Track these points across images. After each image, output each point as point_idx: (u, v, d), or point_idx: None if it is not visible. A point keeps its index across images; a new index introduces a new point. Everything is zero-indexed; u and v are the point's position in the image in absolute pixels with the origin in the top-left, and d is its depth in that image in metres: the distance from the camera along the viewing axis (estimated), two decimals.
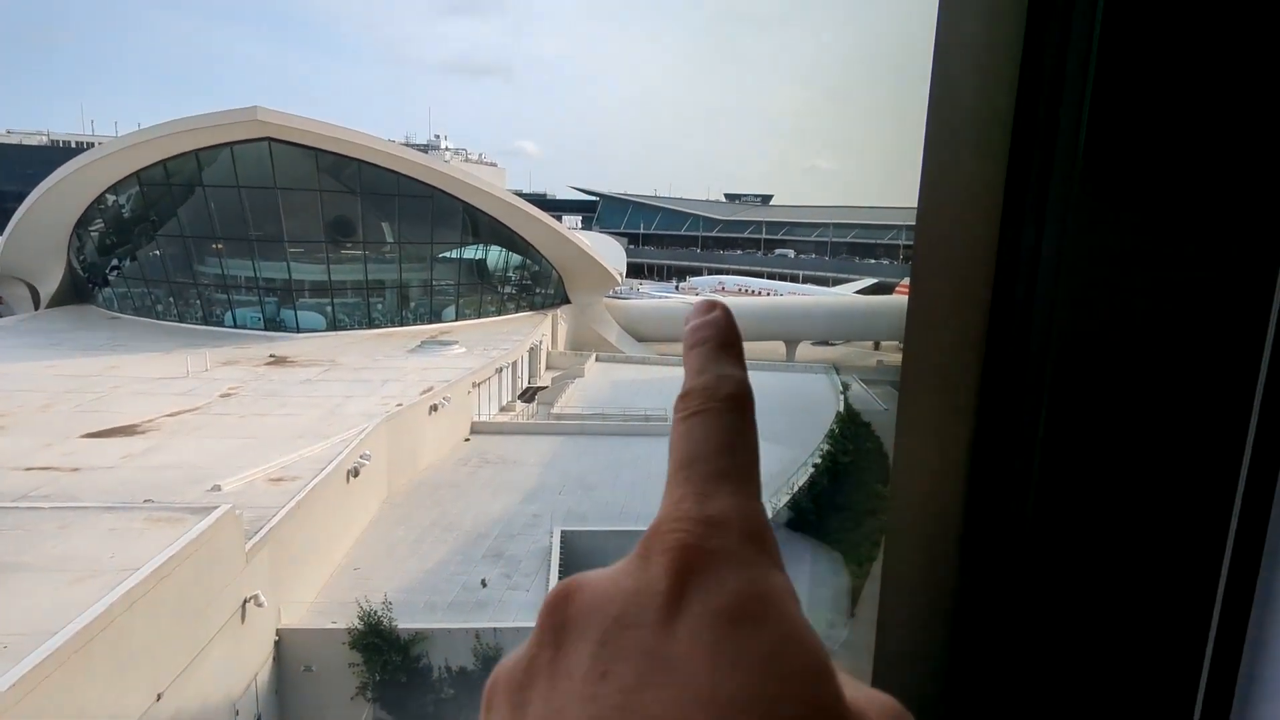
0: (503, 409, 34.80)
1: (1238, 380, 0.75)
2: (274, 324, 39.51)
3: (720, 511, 0.38)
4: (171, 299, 41.36)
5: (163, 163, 37.82)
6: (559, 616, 0.39)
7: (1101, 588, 0.83)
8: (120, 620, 12.47)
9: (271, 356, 33.76)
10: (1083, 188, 0.77)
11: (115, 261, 42.67)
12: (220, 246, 39.56)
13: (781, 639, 0.35)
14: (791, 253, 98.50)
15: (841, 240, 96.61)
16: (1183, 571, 0.80)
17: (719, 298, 0.49)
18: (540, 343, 42.23)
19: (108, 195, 40.28)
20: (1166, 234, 0.76)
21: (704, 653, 0.34)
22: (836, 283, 77.07)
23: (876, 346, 55.57)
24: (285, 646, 17.11)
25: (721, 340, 0.46)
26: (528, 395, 37.39)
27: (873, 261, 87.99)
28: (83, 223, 41.62)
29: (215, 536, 15.09)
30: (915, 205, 0.89)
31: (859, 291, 69.08)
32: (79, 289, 44.48)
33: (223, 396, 26.74)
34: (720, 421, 0.42)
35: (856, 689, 0.36)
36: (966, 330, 0.90)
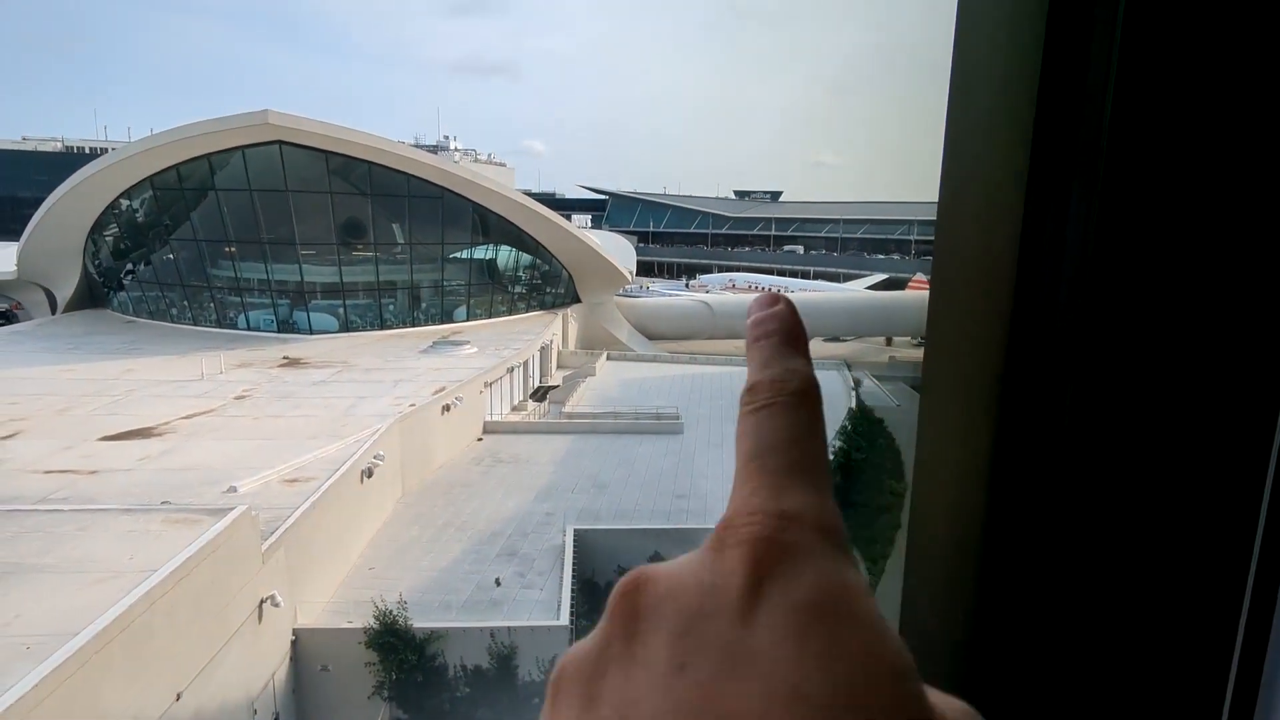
0: (514, 408, 34.84)
1: (1265, 377, 0.74)
2: (287, 326, 39.72)
3: (795, 505, 0.38)
4: (186, 302, 41.62)
5: (175, 167, 38.04)
6: (630, 606, 0.38)
7: (1126, 590, 0.83)
8: (140, 621, 12.56)
9: (285, 358, 33.93)
10: (1106, 184, 0.76)
11: (130, 265, 42.93)
12: (233, 249, 39.77)
13: (866, 637, 0.34)
14: (800, 249, 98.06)
15: (852, 236, 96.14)
16: (1208, 572, 0.79)
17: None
18: (551, 342, 42.25)
19: (122, 200, 40.52)
20: (1192, 230, 0.75)
21: (787, 648, 0.33)
22: (848, 279, 76.74)
23: (889, 343, 55.29)
24: (302, 646, 17.20)
25: (787, 334, 0.46)
26: (539, 394, 37.42)
27: (882, 257, 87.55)
28: (98, 227, 41.89)
29: (232, 537, 15.18)
30: (926, 200, 0.88)
31: (871, 287, 68.76)
32: (94, 293, 44.76)
33: (237, 398, 26.91)
34: (790, 416, 0.42)
35: (936, 694, 0.36)
36: (989, 328, 0.89)
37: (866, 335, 55.42)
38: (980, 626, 0.96)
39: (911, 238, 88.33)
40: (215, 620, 14.51)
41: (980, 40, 0.85)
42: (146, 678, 12.79)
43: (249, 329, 39.82)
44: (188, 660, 13.69)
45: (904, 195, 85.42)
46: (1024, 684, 0.91)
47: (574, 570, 19.64)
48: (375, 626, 16.97)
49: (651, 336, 50.44)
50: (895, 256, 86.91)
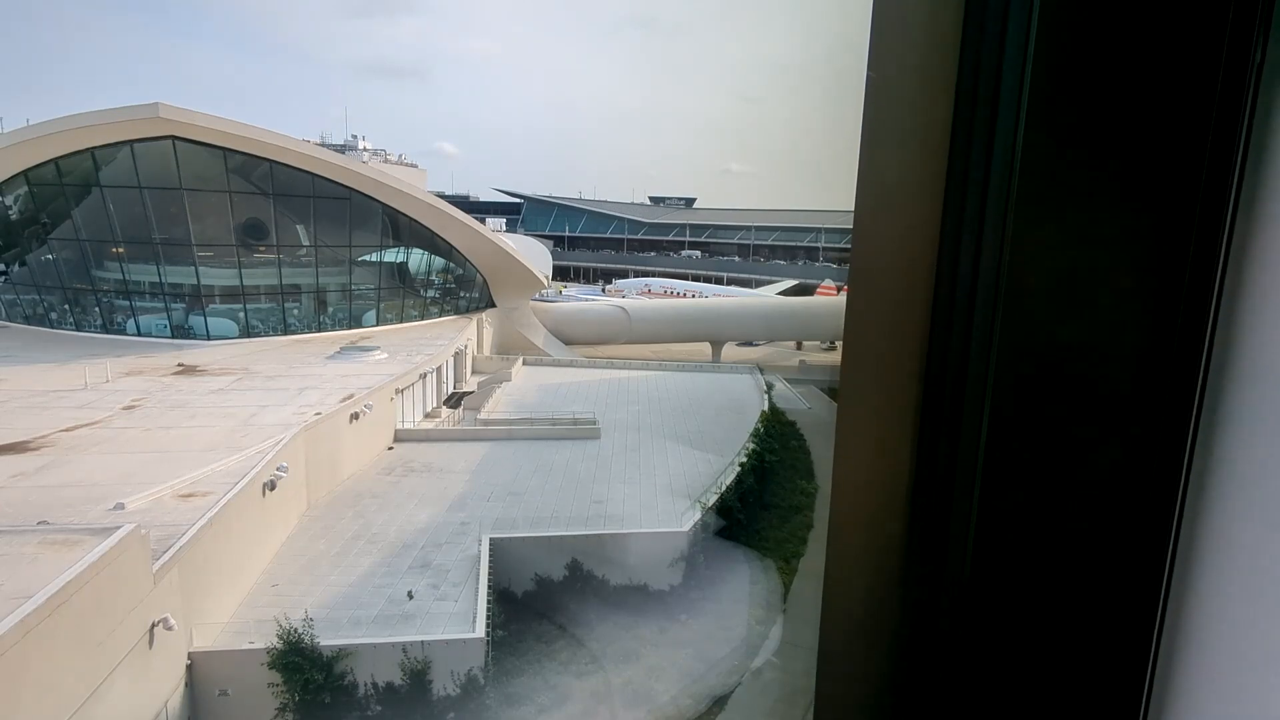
0: (428, 415, 34.12)
1: (1177, 375, 0.76)
2: (182, 331, 37.68)
3: None
4: (67, 306, 38.95)
5: (54, 161, 35.61)
6: None
7: (1041, 592, 0.84)
8: (13, 652, 11.64)
9: (180, 365, 32.20)
10: (1021, 192, 0.77)
11: (3, 266, 39.96)
12: (121, 250, 37.45)
13: None
14: (697, 254, 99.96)
15: (763, 243, 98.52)
16: (1126, 572, 0.81)
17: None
18: (466, 347, 41.57)
19: None
20: (1104, 236, 0.76)
21: None
22: (759, 284, 78.55)
23: (799, 347, 56.86)
24: (198, 671, 16.31)
25: None
26: (453, 401, 36.74)
27: (784, 263, 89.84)
28: None
29: (119, 558, 14.26)
30: (836, 208, 0.88)
31: (782, 293, 70.56)
32: None
33: (126, 409, 25.31)
34: None
35: None
36: (908, 334, 0.89)
37: (781, 340, 56.81)
38: (902, 629, 0.96)
39: (820, 245, 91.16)
40: (100, 648, 13.56)
41: (895, 53, 0.85)
42: (21, 713, 11.85)
43: (139, 334, 37.57)
44: (69, 692, 12.76)
45: (813, 204, 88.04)
46: (946, 682, 0.91)
47: (490, 580, 19.36)
48: (279, 646, 16.27)
49: (568, 341, 50.30)
50: (804, 263, 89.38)
